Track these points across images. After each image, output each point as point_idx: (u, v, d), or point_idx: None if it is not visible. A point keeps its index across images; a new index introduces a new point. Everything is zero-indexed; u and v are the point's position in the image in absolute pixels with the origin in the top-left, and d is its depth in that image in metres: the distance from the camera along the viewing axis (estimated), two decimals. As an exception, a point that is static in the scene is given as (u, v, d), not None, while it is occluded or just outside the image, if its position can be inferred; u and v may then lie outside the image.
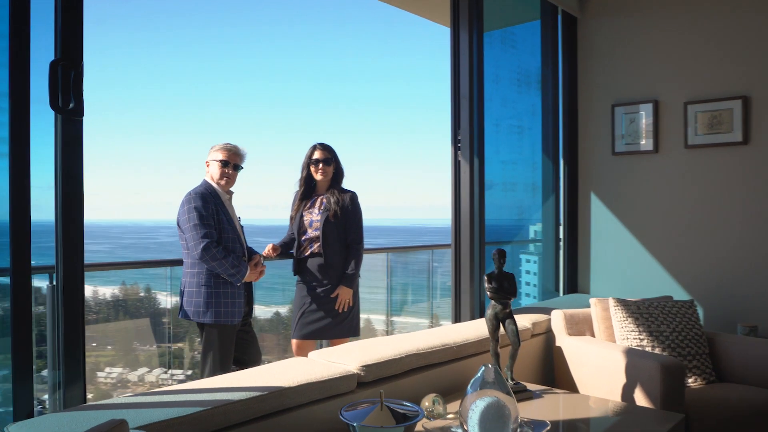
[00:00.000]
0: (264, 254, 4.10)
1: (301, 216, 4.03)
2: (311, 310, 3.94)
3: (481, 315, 4.00)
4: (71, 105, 2.17)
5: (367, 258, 4.29)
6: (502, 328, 2.84)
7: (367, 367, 2.64)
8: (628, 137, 4.62)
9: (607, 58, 4.74)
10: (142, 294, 5.13)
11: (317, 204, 4.04)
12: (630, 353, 3.19)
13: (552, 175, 4.94)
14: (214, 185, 3.62)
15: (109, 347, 4.94)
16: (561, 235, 4.97)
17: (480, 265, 3.99)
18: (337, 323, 3.94)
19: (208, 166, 3.68)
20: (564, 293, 4.95)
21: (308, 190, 4.10)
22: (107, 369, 4.84)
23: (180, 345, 4.91)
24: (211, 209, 3.48)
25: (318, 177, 4.01)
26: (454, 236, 3.94)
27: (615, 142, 4.68)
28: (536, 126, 4.85)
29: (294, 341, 3.99)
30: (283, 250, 4.14)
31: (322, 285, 3.94)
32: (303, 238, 4.01)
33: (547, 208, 4.99)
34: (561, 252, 4.98)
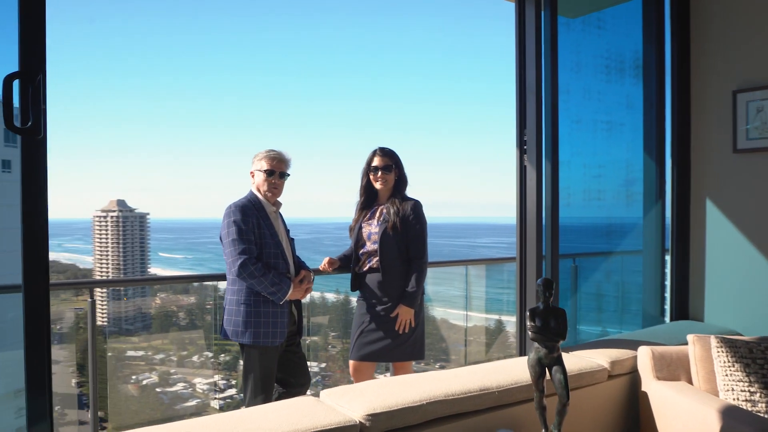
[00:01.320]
0: (320, 268, 3.85)
1: (360, 227, 3.75)
2: (370, 330, 3.63)
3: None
4: (29, 123, 1.98)
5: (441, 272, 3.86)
6: (548, 375, 2.28)
7: (373, 417, 2.23)
8: (754, 130, 3.74)
9: (727, 34, 3.87)
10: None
11: (377, 215, 3.72)
12: (731, 413, 2.47)
13: (655, 179, 4.16)
14: (260, 197, 3.41)
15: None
16: (668, 247, 4.18)
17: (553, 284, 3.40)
18: (397, 345, 3.61)
19: (253, 176, 3.46)
20: (671, 319, 4.15)
21: (368, 200, 3.80)
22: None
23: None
24: (251, 223, 3.29)
25: (378, 186, 3.71)
26: (520, 251, 3.37)
27: (737, 136, 3.82)
28: (633, 120, 4.10)
29: (351, 362, 3.71)
30: (344, 263, 3.87)
31: (382, 303, 3.62)
32: (361, 251, 3.73)
33: (650, 218, 4.21)
34: (668, 269, 4.19)
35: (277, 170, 3.43)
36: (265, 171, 3.41)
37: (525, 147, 3.33)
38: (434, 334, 5.91)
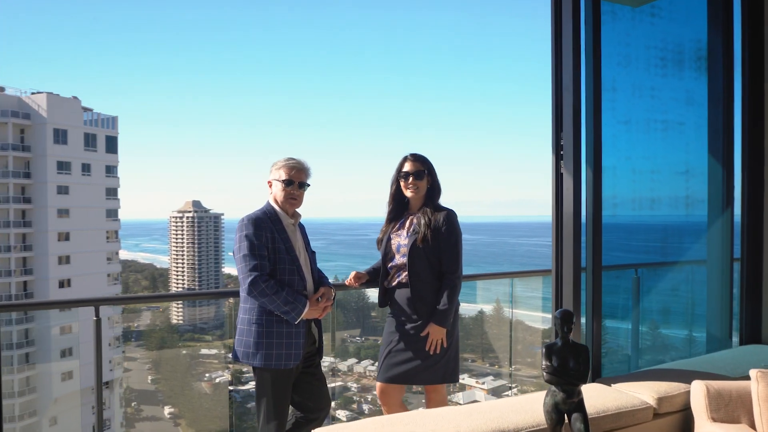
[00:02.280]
0: (346, 283, 3.64)
1: (389, 239, 3.49)
2: (398, 350, 3.38)
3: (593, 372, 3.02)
4: None
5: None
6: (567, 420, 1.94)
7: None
8: (839, 129, 3.23)
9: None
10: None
11: (406, 225, 3.46)
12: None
13: (722, 183, 3.69)
14: (277, 208, 3.21)
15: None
16: (737, 256, 3.71)
17: (594, 305, 3.02)
18: (427, 366, 3.34)
19: (270, 186, 3.26)
20: (740, 343, 3.66)
21: (398, 209, 3.54)
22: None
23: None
24: (265, 237, 3.08)
25: (408, 193, 3.44)
26: (555, 265, 3.01)
27: (819, 136, 3.31)
28: (695, 119, 3.63)
29: (378, 384, 3.47)
30: (372, 277, 3.64)
31: (412, 321, 3.36)
32: (390, 264, 3.48)
33: (716, 227, 3.73)
34: (737, 287, 3.70)
35: (296, 180, 3.21)
36: (283, 181, 3.19)
37: (561, 152, 2.97)
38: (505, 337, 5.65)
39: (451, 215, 3.39)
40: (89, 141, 46.35)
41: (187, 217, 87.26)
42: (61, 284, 45.45)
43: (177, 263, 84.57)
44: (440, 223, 3.34)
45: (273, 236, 3.11)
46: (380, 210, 3.63)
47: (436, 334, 3.28)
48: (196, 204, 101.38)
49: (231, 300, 5.29)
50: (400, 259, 3.41)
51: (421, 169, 3.42)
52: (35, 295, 44.16)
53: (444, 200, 3.49)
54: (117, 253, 50.47)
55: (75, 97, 45.52)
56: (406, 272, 3.36)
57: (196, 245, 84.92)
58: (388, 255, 3.48)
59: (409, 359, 3.33)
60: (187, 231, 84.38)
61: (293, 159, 3.26)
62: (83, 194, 45.37)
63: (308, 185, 3.31)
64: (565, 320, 1.89)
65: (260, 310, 3.07)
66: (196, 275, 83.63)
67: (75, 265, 44.94)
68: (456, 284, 3.33)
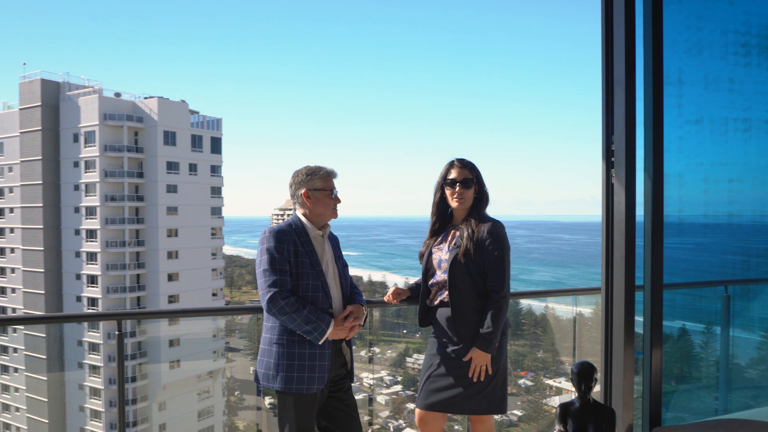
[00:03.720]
0: (385, 299, 3.42)
1: (430, 253, 3.21)
2: (439, 375, 3.11)
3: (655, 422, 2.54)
4: None
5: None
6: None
7: None
8: None
9: None
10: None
11: (449, 238, 3.17)
12: None
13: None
14: (304, 220, 3.00)
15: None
16: None
17: (653, 331, 2.55)
18: (470, 395, 3.05)
19: (306, 197, 3.00)
20: None
21: (442, 219, 3.26)
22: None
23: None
24: (287, 250, 2.89)
25: (453, 203, 3.15)
26: (606, 286, 2.57)
27: None
28: (790, 116, 3.02)
29: (417, 411, 3.22)
30: (414, 294, 3.39)
31: (453, 343, 3.08)
32: (431, 281, 3.20)
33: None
34: None
35: (335, 189, 3.05)
36: (325, 190, 3.00)
37: (612, 159, 2.52)
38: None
39: (497, 227, 3.05)
40: (196, 142, 48.86)
41: (288, 214, 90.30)
42: (170, 278, 48.27)
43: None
44: (484, 235, 3.02)
45: (297, 249, 2.91)
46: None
47: (479, 360, 2.97)
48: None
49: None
50: (441, 275, 3.12)
51: (469, 177, 3.12)
52: (147, 288, 47.16)
53: (493, 209, 3.14)
54: (221, 249, 52.92)
55: (183, 101, 48.14)
56: (447, 290, 3.06)
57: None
58: (429, 271, 3.20)
59: (450, 386, 3.05)
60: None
61: (324, 167, 3.06)
62: (190, 193, 47.94)
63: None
64: (583, 376, 1.51)
65: (281, 329, 2.89)
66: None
67: (182, 259, 47.56)
68: (501, 305, 2.99)
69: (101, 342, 32.95)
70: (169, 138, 46.87)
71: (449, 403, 3.05)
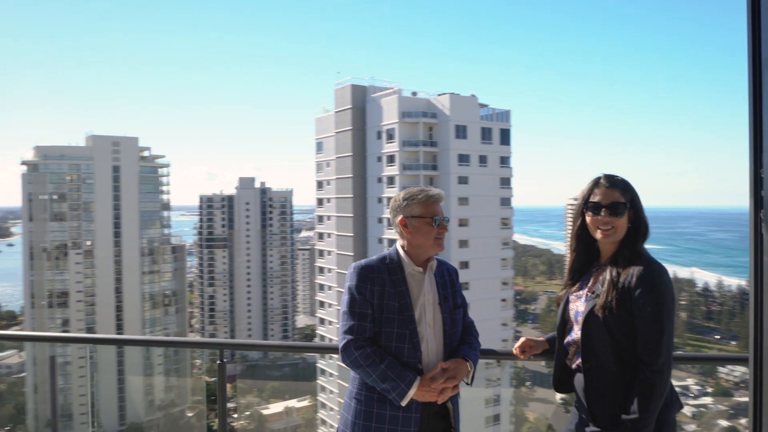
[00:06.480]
0: (513, 351, 2.81)
1: (567, 301, 2.52)
2: None
3: None
4: None
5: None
6: None
7: None
8: None
9: None
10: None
11: (591, 281, 2.46)
12: None
13: None
14: (401, 253, 2.57)
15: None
16: None
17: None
18: None
19: (403, 226, 2.56)
20: None
21: (585, 255, 2.52)
22: None
23: None
24: (370, 290, 2.48)
25: (597, 235, 2.40)
26: (754, 357, 1.71)
27: None
28: None
29: None
30: (552, 348, 2.71)
31: (590, 425, 2.38)
32: (567, 339, 2.51)
33: None
34: None
35: (442, 215, 2.56)
36: (425, 217, 2.53)
37: (763, 194, 1.65)
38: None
39: (653, 271, 2.25)
40: (485, 134, 49.92)
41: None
42: (462, 265, 50.35)
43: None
44: (632, 282, 2.24)
45: (384, 290, 2.47)
46: None
47: None
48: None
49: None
50: (577, 332, 2.40)
51: (620, 201, 2.34)
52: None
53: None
54: (511, 239, 53.31)
55: (473, 95, 49.55)
56: (580, 353, 2.38)
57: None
58: (566, 324, 2.50)
59: None
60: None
61: (426, 189, 2.59)
62: (480, 184, 49.24)
63: (449, 220, 2.62)
64: None
65: (361, 383, 2.49)
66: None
67: (472, 249, 49.17)
68: (656, 383, 2.19)
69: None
70: (460, 132, 48.78)
71: None
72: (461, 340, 2.60)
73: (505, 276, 51.92)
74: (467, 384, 2.55)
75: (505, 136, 50.93)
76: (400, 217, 2.56)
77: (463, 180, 49.12)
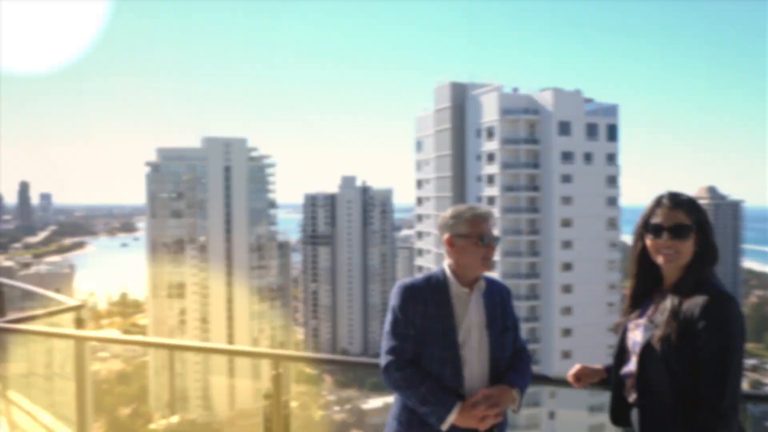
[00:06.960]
0: (568, 378, 2.63)
1: (625, 329, 2.34)
2: None
3: None
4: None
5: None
6: None
7: None
8: None
9: None
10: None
11: (651, 309, 2.26)
12: None
13: None
14: (448, 273, 2.50)
15: None
16: None
17: None
18: None
19: (450, 244, 2.49)
20: None
21: (647, 280, 2.32)
22: None
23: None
24: (413, 311, 2.43)
25: (659, 259, 2.20)
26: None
27: None
28: None
29: None
30: (609, 377, 2.51)
31: None
32: (624, 369, 2.31)
33: None
34: None
35: (491, 234, 2.46)
36: (471, 237, 2.44)
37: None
38: None
39: (720, 302, 2.03)
40: (591, 131, 47.98)
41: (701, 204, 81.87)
42: (565, 267, 48.68)
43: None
44: (695, 313, 2.03)
45: (426, 310, 2.42)
46: None
47: None
48: (711, 190, 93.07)
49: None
50: (634, 364, 2.22)
51: (685, 223, 2.14)
52: (541, 276, 48.61)
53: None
54: (618, 240, 50.89)
55: (577, 90, 47.75)
56: (636, 388, 2.21)
57: (709, 235, 79.15)
58: (624, 354, 2.31)
59: None
60: (699, 219, 79.26)
61: (475, 206, 2.51)
62: (585, 183, 47.45)
63: (498, 239, 2.52)
64: None
65: (402, 404, 2.44)
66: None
67: (576, 250, 47.48)
68: (718, 426, 1.97)
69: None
70: (564, 128, 47.20)
71: None
72: (510, 365, 2.48)
73: (613, 279, 49.65)
74: (513, 412, 2.44)
75: (612, 132, 48.71)
76: (446, 236, 2.48)
77: (566, 178, 47.54)
